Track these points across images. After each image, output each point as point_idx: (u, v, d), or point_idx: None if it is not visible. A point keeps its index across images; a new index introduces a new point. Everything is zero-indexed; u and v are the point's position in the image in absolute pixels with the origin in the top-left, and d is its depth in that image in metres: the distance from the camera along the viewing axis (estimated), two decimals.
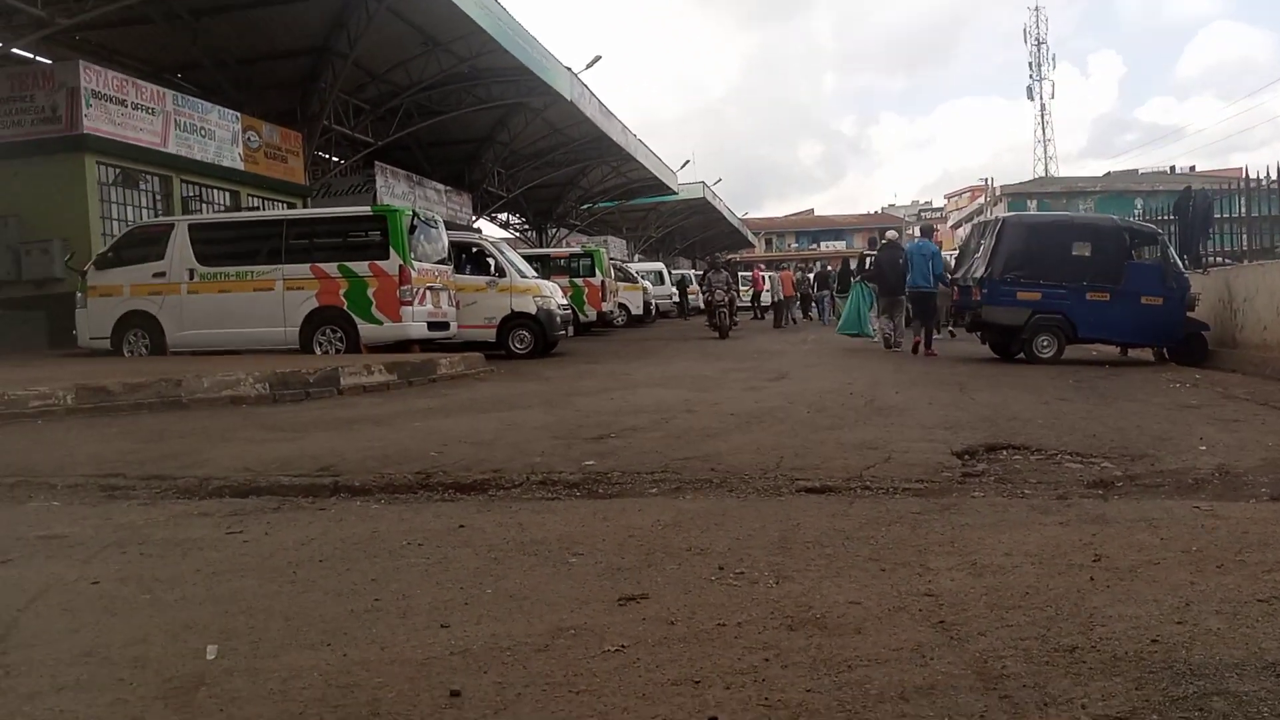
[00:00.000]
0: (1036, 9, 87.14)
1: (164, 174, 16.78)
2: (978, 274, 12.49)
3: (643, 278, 30.09)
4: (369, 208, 13.40)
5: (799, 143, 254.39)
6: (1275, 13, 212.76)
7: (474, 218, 31.19)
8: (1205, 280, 12.85)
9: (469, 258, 15.11)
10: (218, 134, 17.80)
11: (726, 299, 20.61)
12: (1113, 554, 3.26)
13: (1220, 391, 8.92)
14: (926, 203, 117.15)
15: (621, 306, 26.40)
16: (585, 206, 41.36)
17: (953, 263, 15.45)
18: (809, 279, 32.94)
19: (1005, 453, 5.92)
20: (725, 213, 56.56)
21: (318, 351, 12.50)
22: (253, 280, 12.63)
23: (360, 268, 12.47)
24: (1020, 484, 4.99)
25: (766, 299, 31.46)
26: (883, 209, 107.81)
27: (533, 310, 14.68)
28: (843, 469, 5.37)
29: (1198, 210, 13.75)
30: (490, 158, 29.75)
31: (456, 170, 29.45)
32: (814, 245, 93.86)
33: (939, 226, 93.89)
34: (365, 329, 12.43)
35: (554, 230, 40.87)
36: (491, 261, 14.94)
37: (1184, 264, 13.27)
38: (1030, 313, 12.18)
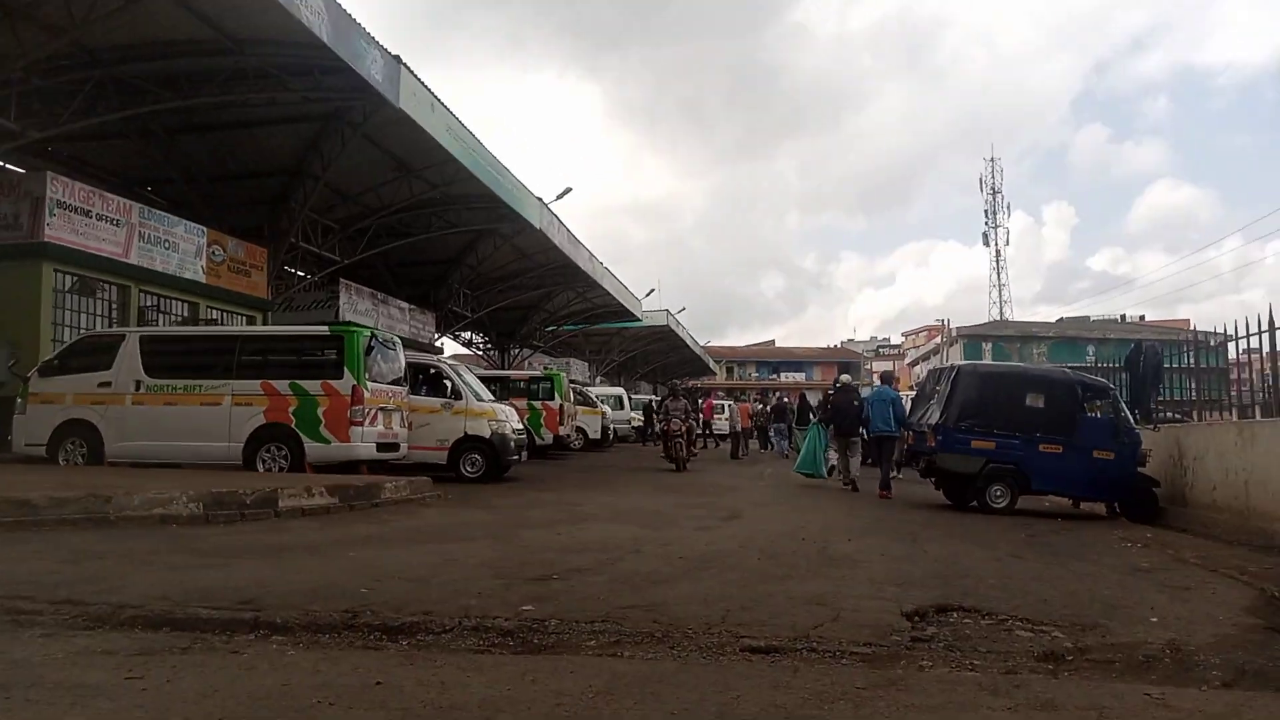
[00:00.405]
0: (992, 160, 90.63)
1: (123, 283, 16.61)
2: (933, 420, 12.55)
3: (602, 402, 30.01)
4: (326, 326, 13.29)
5: (762, 275, 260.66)
6: (1215, 174, 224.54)
7: (436, 336, 31.17)
8: (1156, 437, 13.00)
9: (425, 379, 14.98)
10: (182, 246, 17.74)
11: (683, 429, 19.43)
12: None
13: (1171, 554, 8.88)
14: (885, 339, 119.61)
15: (579, 430, 26.23)
16: (549, 329, 41.59)
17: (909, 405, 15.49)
18: (766, 410, 33.05)
19: (956, 615, 5.77)
20: (688, 340, 57.18)
21: (260, 469, 12.16)
22: (200, 394, 12.37)
23: (312, 386, 12.28)
24: (970, 653, 4.83)
25: (722, 427, 31.64)
26: (842, 343, 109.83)
27: (487, 434, 14.48)
28: (790, 627, 5.19)
29: (1148, 364, 14.04)
30: (457, 279, 29.95)
31: (422, 290, 29.57)
32: (774, 375, 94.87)
33: (896, 363, 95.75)
34: (311, 448, 12.14)
35: (517, 350, 40.95)
36: (448, 384, 14.81)
37: (1135, 417, 13.47)
38: (984, 461, 12.20)
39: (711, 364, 77.15)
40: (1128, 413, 12.77)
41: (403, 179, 21.46)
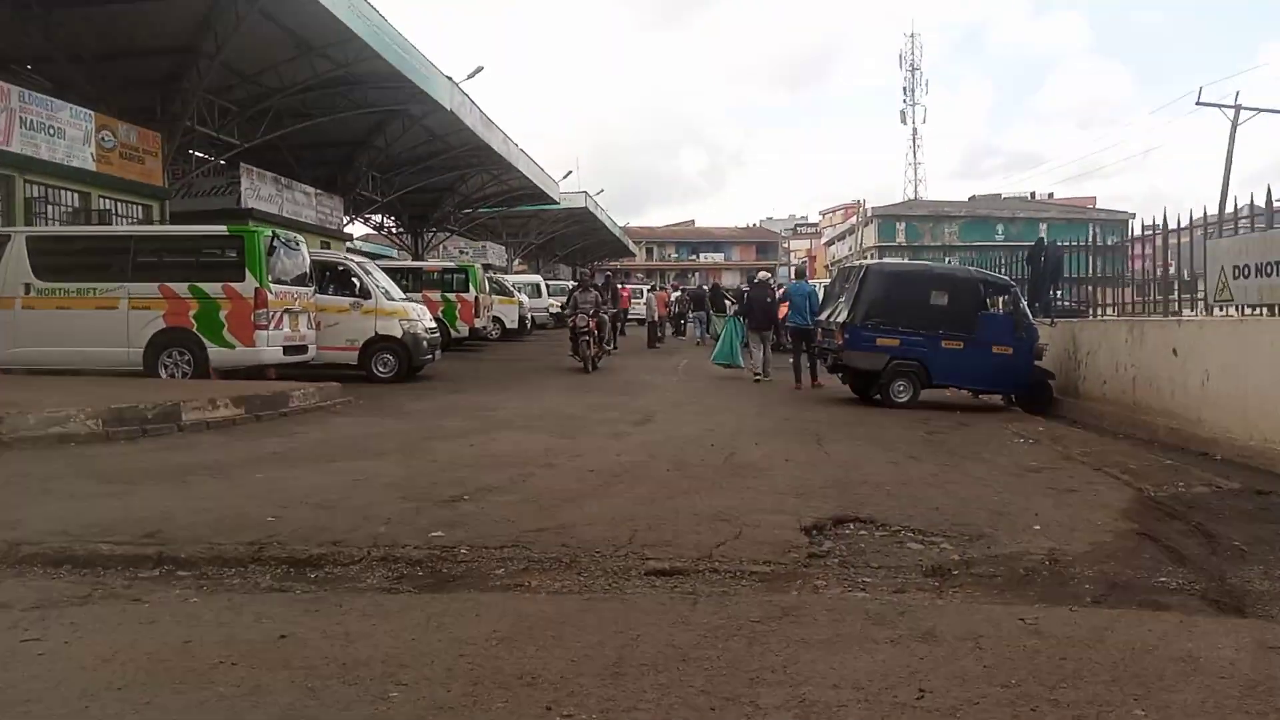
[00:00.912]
0: (912, 35, 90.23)
1: (5, 174, 15.58)
2: (841, 319, 12.81)
3: (519, 290, 29.80)
4: (225, 228, 12.77)
5: (683, 152, 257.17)
6: (1129, 51, 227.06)
7: (346, 220, 30.27)
8: (1053, 331, 13.51)
9: (333, 277, 14.62)
10: (68, 132, 16.64)
11: (591, 324, 17.05)
12: (935, 688, 3.31)
13: (1060, 451, 9.33)
14: (803, 218, 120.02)
15: (496, 320, 26.08)
16: (465, 212, 40.69)
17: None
18: (684, 298, 33.38)
19: (853, 527, 6.02)
20: (607, 222, 56.64)
21: (163, 374, 11.86)
22: (94, 298, 11.88)
23: (213, 288, 11.89)
24: (862, 569, 5.07)
25: (639, 313, 31.88)
26: (761, 222, 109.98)
27: (398, 334, 14.28)
28: (694, 546, 5.36)
29: (1049, 262, 14.47)
30: (365, 162, 28.91)
31: (329, 173, 28.48)
32: (694, 256, 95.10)
33: (813, 242, 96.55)
34: (215, 353, 11.86)
35: (431, 234, 40.07)
36: (357, 282, 14.48)
37: (1035, 311, 13.95)
38: (888, 359, 12.57)
39: (631, 245, 76.79)
40: (1027, 309, 13.21)
41: (304, 57, 20.34)
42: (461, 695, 3.24)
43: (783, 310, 16.30)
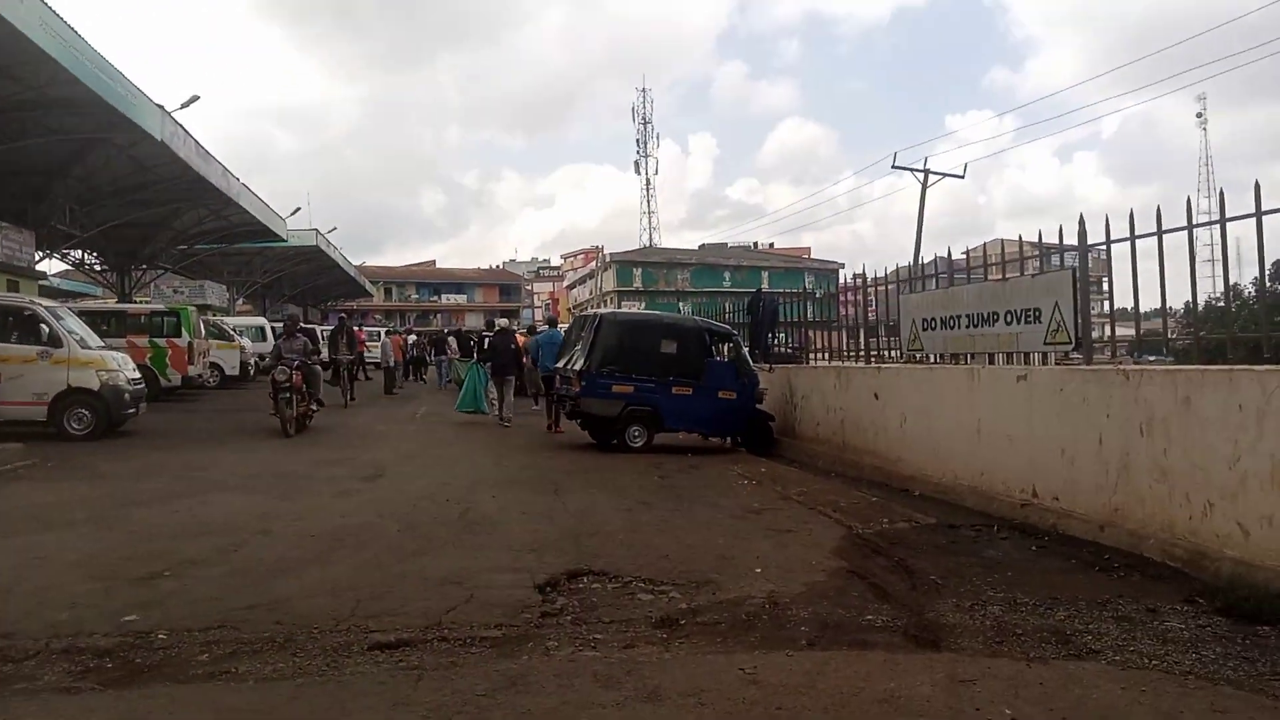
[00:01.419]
0: (643, 90, 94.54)
1: None
2: (578, 366, 12.99)
3: (241, 334, 27.92)
4: None
5: (421, 191, 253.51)
6: (836, 115, 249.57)
7: (38, 257, 27.12)
8: (771, 377, 14.37)
9: (16, 323, 12.96)
10: None
11: (296, 379, 14.12)
12: None
13: (779, 492, 9.88)
14: (545, 260, 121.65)
15: (214, 367, 24.24)
16: (179, 248, 37.68)
17: None
18: (422, 342, 32.72)
19: (586, 579, 6.05)
20: (340, 261, 54.43)
21: None
22: None
23: None
24: (594, 624, 5.08)
25: (375, 357, 30.77)
26: (504, 264, 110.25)
27: (95, 386, 12.86)
28: (422, 614, 5.15)
29: (766, 310, 15.43)
30: (62, 193, 26.00)
31: (18, 205, 25.34)
32: (435, 297, 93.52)
33: (555, 284, 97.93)
34: None
35: (141, 272, 36.74)
36: (45, 328, 12.92)
37: (755, 356, 14.80)
38: (624, 405, 12.89)
39: (368, 285, 74.33)
40: (748, 355, 14.01)
41: None
42: None
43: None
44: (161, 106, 22.53)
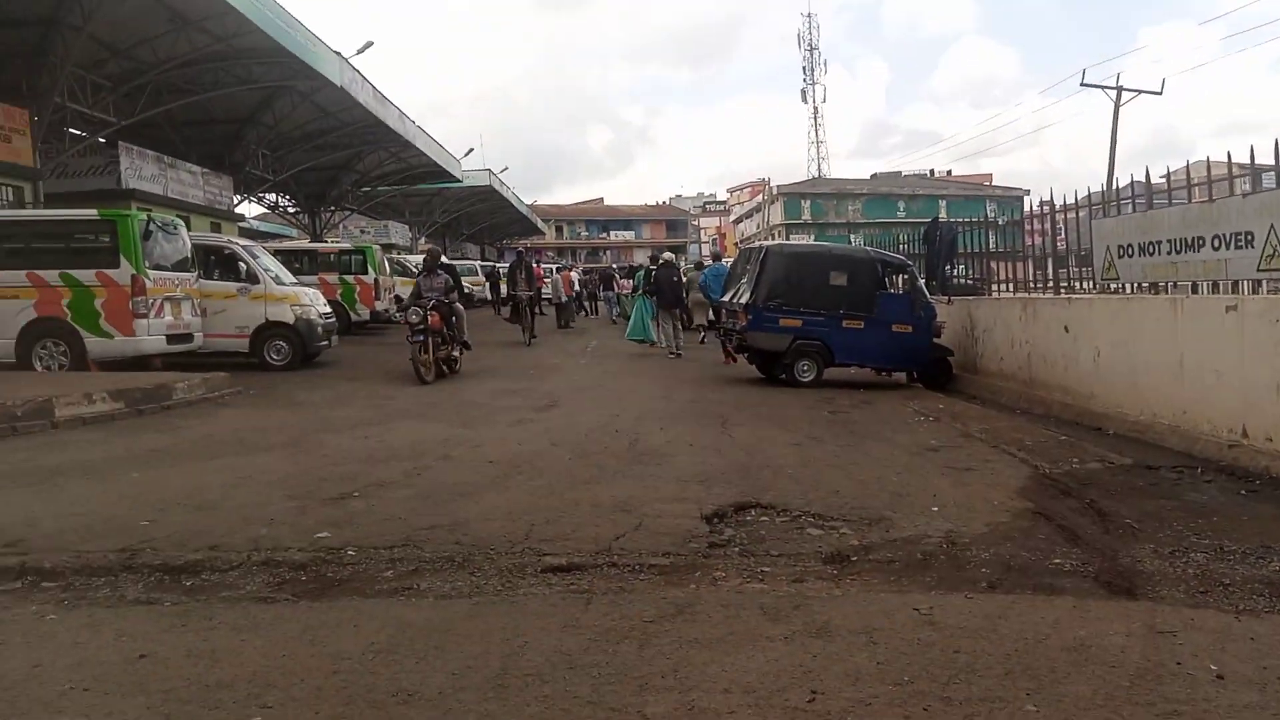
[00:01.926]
0: (809, 15, 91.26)
1: None
2: (743, 300, 12.79)
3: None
4: (95, 211, 12.02)
5: (589, 129, 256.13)
6: (1018, 33, 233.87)
7: (236, 200, 29.07)
8: (950, 309, 13.74)
9: (218, 261, 13.95)
10: None
11: (433, 319, 13.07)
12: (828, 689, 3.22)
13: (959, 429, 9.46)
14: (711, 195, 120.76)
15: (398, 302, 25.36)
16: (363, 190, 39.54)
17: None
18: (594, 278, 33.40)
19: (754, 513, 5.96)
20: (513, 200, 55.84)
21: (38, 367, 11.17)
22: None
23: (86, 276, 11.22)
24: (762, 557, 4.99)
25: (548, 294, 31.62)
26: (670, 200, 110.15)
27: (290, 320, 13.72)
28: (593, 539, 5.21)
29: (943, 240, 14.71)
30: (254, 139, 27.72)
31: (216, 151, 27.24)
32: (604, 234, 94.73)
33: (722, 219, 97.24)
34: (93, 343, 11.21)
35: (330, 214, 38.84)
36: (243, 266, 13.83)
37: (932, 289, 14.18)
38: (792, 339, 12.62)
39: (540, 223, 76.07)
40: (924, 287, 13.41)
41: (181, 31, 19.27)
42: (330, 718, 3.02)
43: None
44: (339, 53, 23.46)
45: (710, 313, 17.84)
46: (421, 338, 12.53)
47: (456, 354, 13.63)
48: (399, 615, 4.04)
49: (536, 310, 22.40)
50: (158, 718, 3.02)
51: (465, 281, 35.63)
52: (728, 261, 19.74)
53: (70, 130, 21.17)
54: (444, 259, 15.79)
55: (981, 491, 6.61)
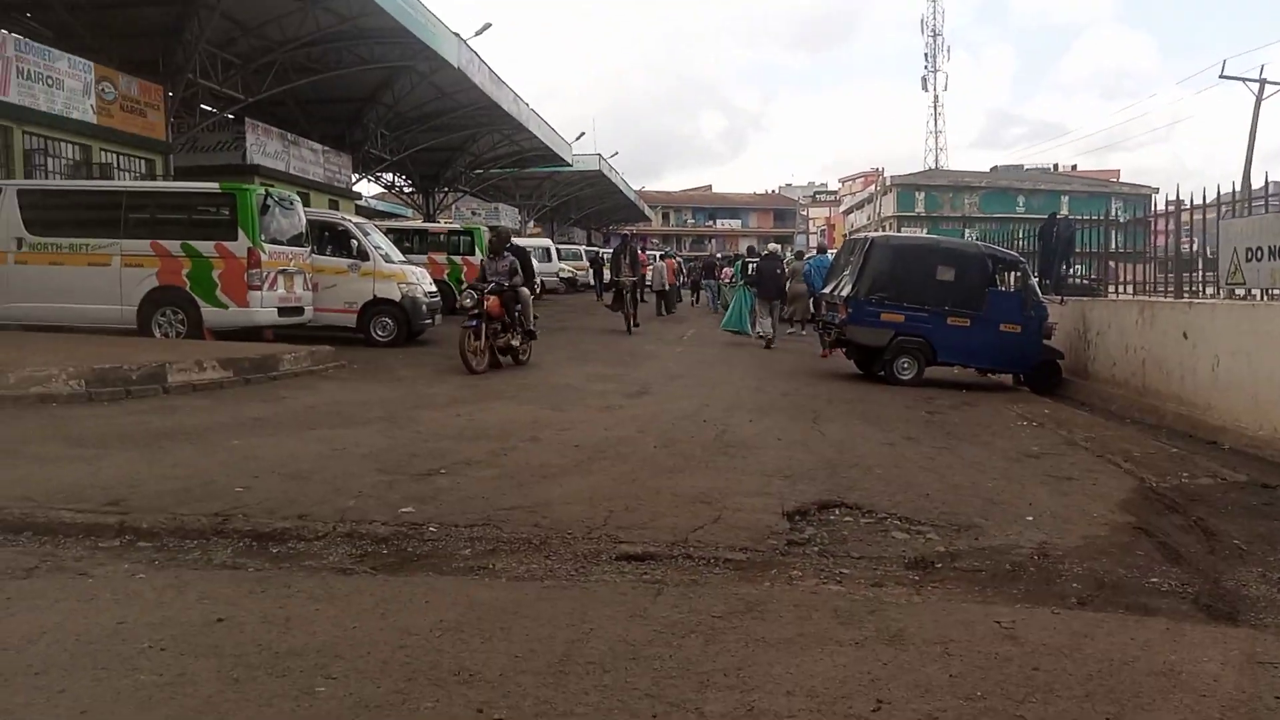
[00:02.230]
0: (934, 0, 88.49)
1: (3, 124, 15.40)
2: (844, 292, 12.52)
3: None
4: (217, 184, 12.55)
5: (701, 114, 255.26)
6: (1154, 20, 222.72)
7: (355, 179, 30.00)
8: (1063, 310, 13.19)
9: (331, 237, 14.39)
10: (67, 84, 16.41)
11: (493, 304, 11.95)
12: (894, 698, 3.12)
13: (1064, 436, 9.07)
14: (822, 184, 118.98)
15: None
16: (476, 172, 40.32)
17: None
18: (698, 266, 33.40)
19: (838, 512, 5.83)
20: (621, 186, 56.10)
21: (156, 334, 11.74)
22: (87, 253, 11.72)
23: (205, 247, 11.73)
24: (842, 559, 4.88)
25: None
26: (780, 189, 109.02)
27: (397, 297, 14.06)
28: (670, 529, 5.18)
29: (1061, 238, 14.12)
30: (373, 119, 28.55)
31: (336, 129, 28.18)
32: (710, 222, 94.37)
33: (832, 210, 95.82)
34: (209, 313, 11.71)
35: (443, 195, 39.76)
36: (355, 243, 14.24)
37: (1046, 287, 13.64)
38: (893, 334, 12.30)
39: (647, 210, 76.22)
40: (1036, 286, 12.89)
41: (307, 10, 19.98)
42: (391, 692, 3.07)
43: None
44: (458, 34, 23.92)
45: (812, 304, 17.76)
46: (475, 323, 11.62)
47: (517, 343, 12.57)
48: (470, 594, 4.08)
49: (639, 297, 22.10)
50: (226, 682, 3.12)
51: (568, 266, 36.11)
52: (833, 253, 19.46)
53: (202, 106, 22.18)
54: (514, 240, 14.34)
55: (1080, 502, 6.33)
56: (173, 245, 11.73)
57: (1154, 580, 4.71)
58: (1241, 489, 6.92)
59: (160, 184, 16.36)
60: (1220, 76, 30.16)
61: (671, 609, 3.96)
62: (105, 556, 4.54)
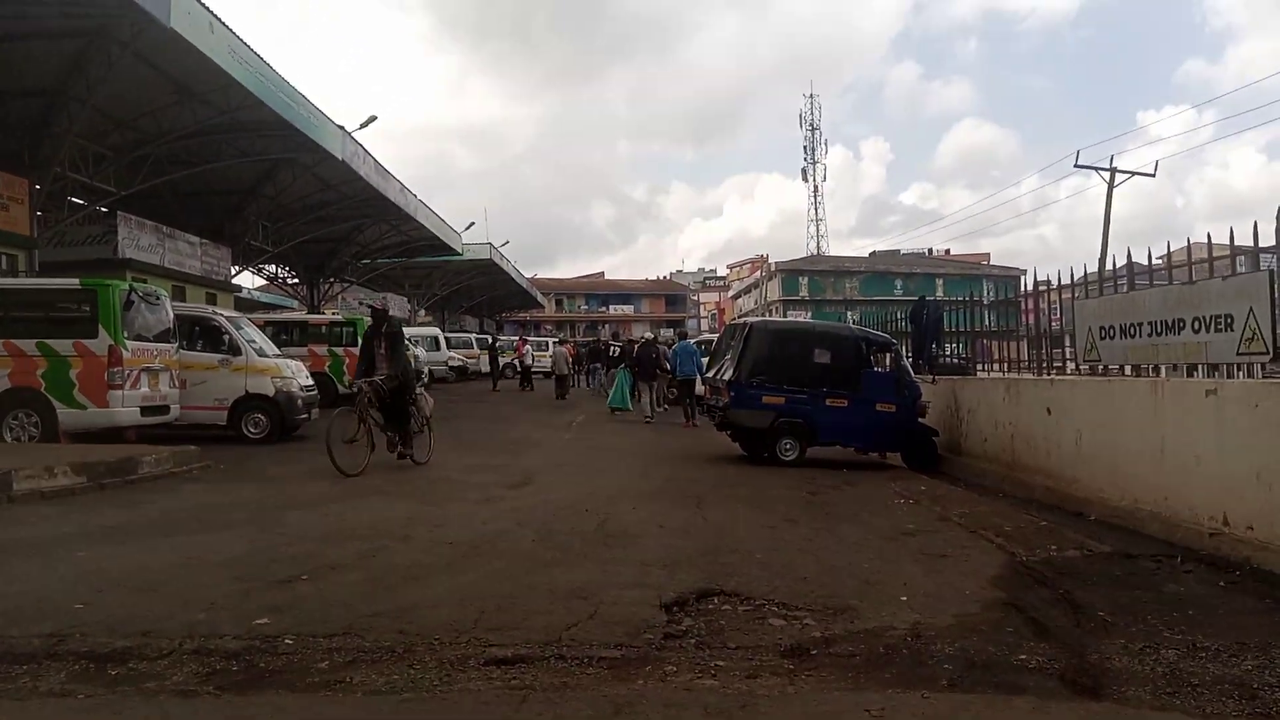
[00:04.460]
0: (811, 97, 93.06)
1: None
2: (726, 376, 12.68)
3: (415, 344, 29.07)
4: (77, 280, 12.01)
5: (592, 204, 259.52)
6: (1015, 115, 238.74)
7: (234, 271, 29.25)
8: (935, 389, 13.61)
9: (202, 332, 13.89)
10: None
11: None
12: None
13: (938, 512, 9.26)
14: (712, 270, 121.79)
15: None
16: (364, 262, 39.85)
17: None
18: (584, 353, 33.94)
19: (717, 600, 5.75)
20: (513, 273, 56.30)
21: (7, 438, 11.02)
22: None
23: (63, 345, 11.16)
24: (718, 650, 4.79)
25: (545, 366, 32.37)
26: (671, 275, 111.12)
27: (270, 392, 13.60)
28: (544, 629, 5.00)
29: (930, 319, 14.66)
30: (254, 211, 28.03)
31: (216, 222, 27.51)
32: (603, 308, 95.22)
33: (721, 294, 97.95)
34: (65, 414, 11.08)
35: (329, 285, 39.07)
36: (226, 337, 13.77)
37: (919, 367, 14.07)
38: (774, 416, 12.48)
39: (540, 297, 76.55)
40: (909, 366, 13.31)
41: (185, 103, 19.61)
42: None
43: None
44: (342, 128, 23.88)
45: (678, 386, 20.28)
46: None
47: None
48: (318, 713, 3.83)
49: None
50: None
51: (458, 355, 35.81)
52: (695, 340, 23.05)
53: (71, 199, 21.41)
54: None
55: (954, 580, 6.41)
56: (27, 344, 11.13)
57: (1022, 657, 4.75)
58: (1106, 559, 7.13)
59: (15, 280, 15.59)
60: (1075, 166, 32.26)
61: (535, 717, 3.78)
62: None
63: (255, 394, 13.56)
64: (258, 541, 7.12)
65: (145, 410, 11.72)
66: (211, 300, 25.58)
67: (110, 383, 11.09)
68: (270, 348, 14.86)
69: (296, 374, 14.25)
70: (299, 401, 13.91)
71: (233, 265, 28.71)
